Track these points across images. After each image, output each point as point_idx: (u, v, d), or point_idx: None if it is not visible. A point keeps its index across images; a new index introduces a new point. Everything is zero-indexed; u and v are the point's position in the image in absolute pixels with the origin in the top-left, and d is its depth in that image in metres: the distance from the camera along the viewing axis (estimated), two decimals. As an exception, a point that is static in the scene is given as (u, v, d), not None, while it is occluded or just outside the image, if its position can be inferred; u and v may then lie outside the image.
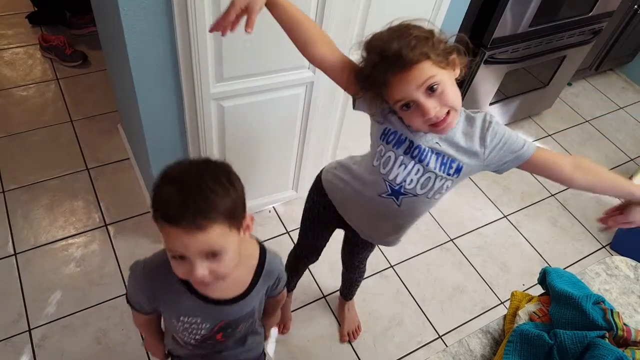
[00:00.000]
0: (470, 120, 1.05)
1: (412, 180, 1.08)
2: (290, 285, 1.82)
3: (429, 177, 1.07)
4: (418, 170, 1.07)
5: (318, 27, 1.08)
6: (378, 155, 1.10)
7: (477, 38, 2.17)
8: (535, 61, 2.42)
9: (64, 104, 2.52)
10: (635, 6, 2.81)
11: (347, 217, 1.32)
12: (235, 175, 0.89)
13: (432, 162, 1.05)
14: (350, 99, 1.12)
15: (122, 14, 1.24)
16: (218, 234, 0.80)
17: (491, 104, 2.54)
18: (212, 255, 0.82)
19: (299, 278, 1.82)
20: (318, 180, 1.38)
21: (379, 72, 0.93)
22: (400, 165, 1.07)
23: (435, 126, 0.96)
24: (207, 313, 1.01)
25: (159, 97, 1.48)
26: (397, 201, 1.13)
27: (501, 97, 2.55)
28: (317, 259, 1.65)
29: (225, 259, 0.84)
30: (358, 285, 1.79)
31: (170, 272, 0.88)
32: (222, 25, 0.97)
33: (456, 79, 0.99)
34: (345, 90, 1.10)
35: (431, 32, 0.95)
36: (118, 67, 1.66)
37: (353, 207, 1.29)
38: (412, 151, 1.05)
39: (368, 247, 1.53)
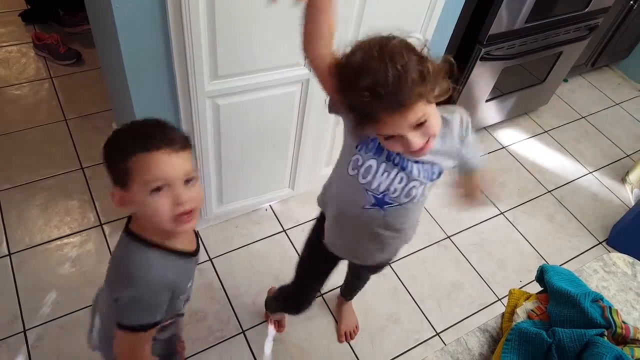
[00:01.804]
0: (445, 123, 1.02)
1: (395, 189, 1.05)
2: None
3: (414, 185, 1.05)
4: (402, 179, 1.03)
5: (333, 20, 0.97)
6: (354, 164, 1.04)
7: (473, 34, 2.16)
8: (531, 57, 2.42)
9: (58, 103, 2.50)
10: (631, 2, 2.81)
11: (331, 241, 1.27)
12: None
13: (415, 170, 1.03)
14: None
15: (115, 11, 1.23)
16: (190, 158, 0.91)
17: (487, 100, 2.54)
18: (189, 180, 0.89)
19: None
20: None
21: (370, 108, 0.86)
22: (383, 174, 1.03)
23: (414, 153, 0.94)
24: (190, 270, 1.07)
25: (153, 95, 1.47)
26: (382, 211, 1.09)
27: (497, 93, 2.55)
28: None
29: (197, 185, 0.92)
30: (359, 290, 1.80)
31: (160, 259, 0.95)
32: None
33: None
34: (326, 93, 1.02)
35: (425, 63, 0.86)
36: (112, 65, 1.64)
37: (338, 229, 1.23)
38: (394, 159, 1.02)
39: (375, 269, 1.54)
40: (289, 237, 2.12)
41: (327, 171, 2.21)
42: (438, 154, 1.03)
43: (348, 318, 1.87)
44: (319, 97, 1.76)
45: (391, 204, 1.07)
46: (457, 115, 1.04)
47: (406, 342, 1.88)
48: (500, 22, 2.09)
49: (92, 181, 2.19)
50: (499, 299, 2.07)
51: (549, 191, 2.57)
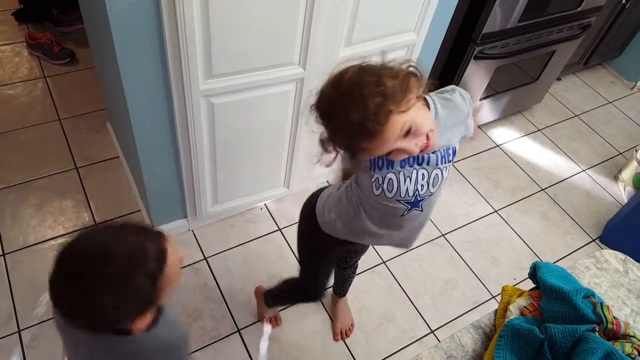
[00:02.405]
0: (448, 102, 1.05)
1: (422, 185, 1.08)
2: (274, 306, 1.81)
3: (437, 174, 1.08)
4: (424, 175, 1.06)
5: None
6: (376, 184, 1.07)
7: (467, 33, 2.17)
8: (524, 56, 2.43)
9: (52, 103, 2.50)
10: (623, 1, 2.83)
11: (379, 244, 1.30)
12: None
13: (433, 159, 1.05)
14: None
15: (109, 10, 1.22)
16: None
17: (481, 99, 2.55)
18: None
19: None
20: (315, 224, 1.32)
21: (352, 143, 0.92)
22: (405, 180, 1.06)
23: (422, 152, 0.96)
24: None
25: (147, 94, 1.47)
26: (419, 208, 1.13)
27: (491, 92, 2.56)
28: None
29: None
30: (351, 282, 1.80)
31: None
32: None
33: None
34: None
35: (382, 81, 0.87)
36: (106, 64, 1.64)
37: (383, 239, 1.25)
38: (408, 161, 1.04)
39: (365, 250, 1.54)
40: (284, 235, 2.13)
41: (321, 170, 2.23)
42: (450, 131, 1.05)
43: (343, 316, 1.87)
44: (314, 95, 1.77)
45: (423, 199, 1.11)
46: (457, 92, 1.07)
47: (401, 340, 1.89)
48: (494, 21, 2.10)
49: (86, 181, 2.19)
50: (493, 297, 2.08)
51: (543, 189, 2.59)
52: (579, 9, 2.38)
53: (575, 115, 3.09)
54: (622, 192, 2.66)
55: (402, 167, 1.04)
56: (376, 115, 0.85)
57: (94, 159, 2.28)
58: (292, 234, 2.13)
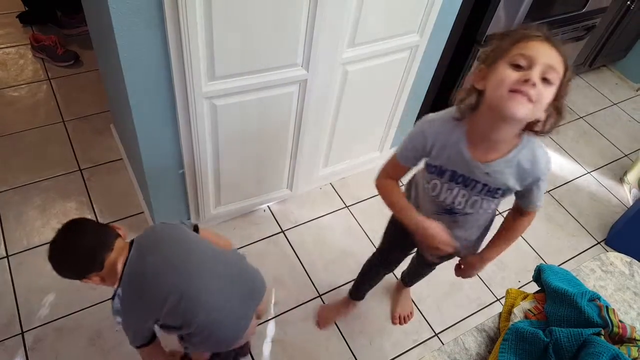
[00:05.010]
0: (534, 161, 1.07)
1: (460, 202, 1.17)
2: (360, 294, 1.86)
3: (476, 200, 1.16)
4: (464, 195, 1.15)
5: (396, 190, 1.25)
6: (427, 179, 1.19)
7: (470, 35, 2.16)
8: (529, 58, 2.41)
9: (56, 104, 2.50)
10: (628, 2, 2.82)
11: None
12: None
13: (477, 189, 1.13)
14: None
15: (112, 12, 1.22)
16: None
17: (485, 101, 2.53)
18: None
19: (371, 288, 1.84)
20: None
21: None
22: (447, 190, 1.17)
23: (518, 93, 0.93)
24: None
25: (150, 96, 1.47)
26: (454, 218, 1.22)
27: (495, 94, 2.54)
28: (396, 267, 1.73)
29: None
30: (422, 279, 1.85)
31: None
32: None
33: (537, 132, 1.04)
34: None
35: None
36: (109, 66, 1.64)
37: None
38: (457, 179, 1.13)
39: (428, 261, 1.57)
40: (287, 237, 2.12)
41: (325, 172, 2.23)
42: (512, 176, 1.08)
43: (404, 303, 1.94)
44: (317, 97, 1.77)
45: (459, 213, 1.21)
46: (547, 159, 1.09)
47: (405, 343, 1.88)
48: (498, 23, 2.09)
49: (90, 183, 2.19)
50: (498, 299, 2.07)
51: (548, 191, 2.57)
52: (583, 10, 2.37)
53: (580, 117, 3.07)
54: (627, 194, 2.64)
55: (448, 180, 1.14)
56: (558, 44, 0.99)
57: (98, 160, 2.28)
58: (296, 236, 2.13)
